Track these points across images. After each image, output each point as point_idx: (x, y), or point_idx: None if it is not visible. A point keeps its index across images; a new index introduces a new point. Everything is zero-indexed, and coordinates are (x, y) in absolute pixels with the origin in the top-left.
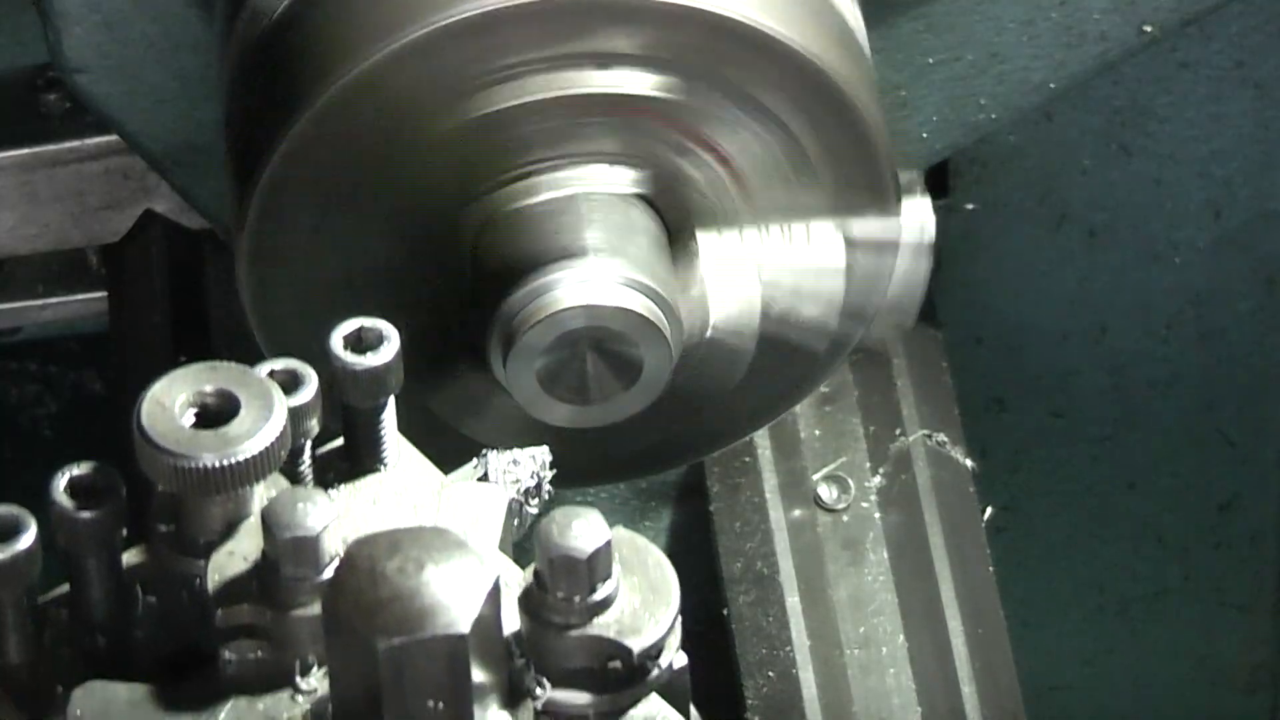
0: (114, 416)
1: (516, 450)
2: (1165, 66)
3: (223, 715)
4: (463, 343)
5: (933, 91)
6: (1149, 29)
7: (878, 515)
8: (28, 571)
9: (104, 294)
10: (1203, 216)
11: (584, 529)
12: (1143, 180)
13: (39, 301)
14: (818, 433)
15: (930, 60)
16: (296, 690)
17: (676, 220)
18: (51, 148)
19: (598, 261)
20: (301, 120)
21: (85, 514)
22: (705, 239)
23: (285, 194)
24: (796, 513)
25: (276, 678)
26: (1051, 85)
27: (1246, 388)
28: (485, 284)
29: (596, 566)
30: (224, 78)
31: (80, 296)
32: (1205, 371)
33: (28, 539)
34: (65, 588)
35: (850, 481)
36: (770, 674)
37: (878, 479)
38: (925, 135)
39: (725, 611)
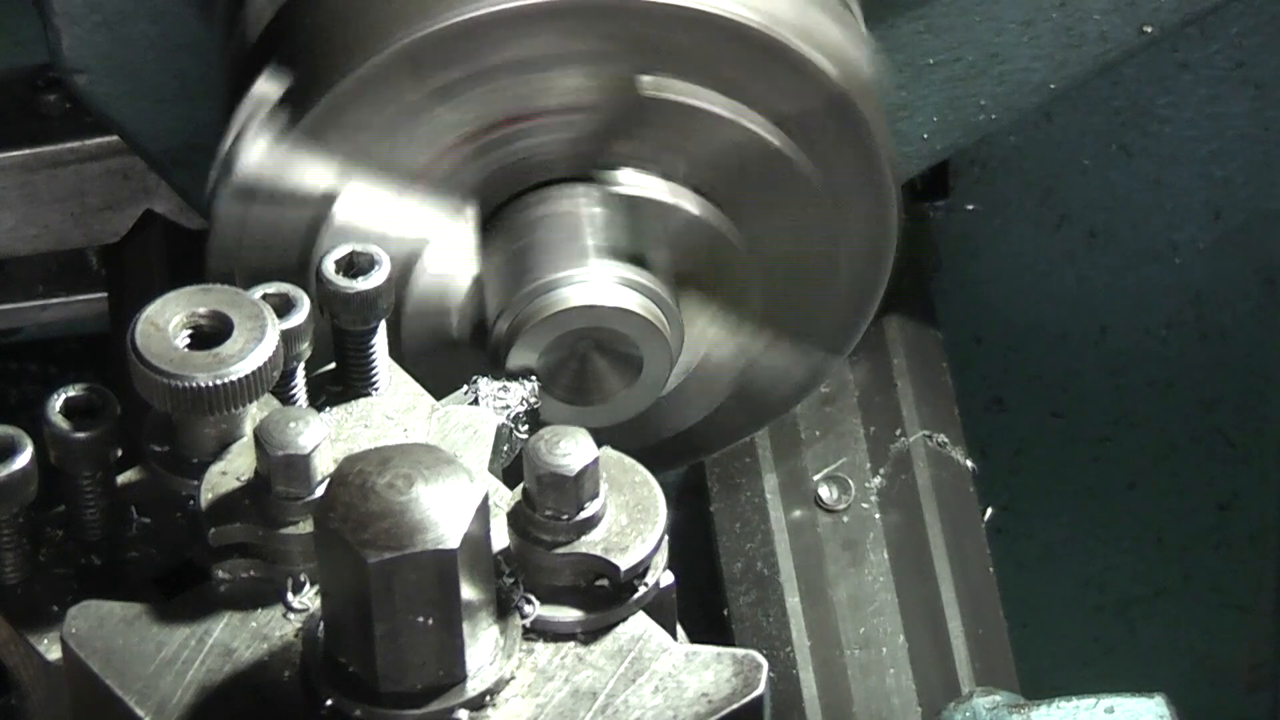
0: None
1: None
2: (1165, 66)
3: (216, 633)
4: (462, 342)
5: (933, 92)
6: (1149, 29)
7: (878, 515)
8: (23, 491)
9: (104, 294)
10: (1203, 216)
11: (572, 447)
12: (1143, 180)
13: (39, 301)
14: (818, 433)
15: (930, 60)
16: (288, 608)
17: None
18: (51, 148)
19: (598, 262)
20: (302, 120)
21: (80, 434)
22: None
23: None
24: (796, 513)
25: (268, 596)
26: (1051, 85)
27: (1246, 388)
28: (485, 283)
29: (584, 484)
30: (224, 77)
31: (80, 296)
32: (1205, 371)
33: (23, 459)
34: (61, 508)
35: (850, 481)
36: (770, 674)
37: (878, 479)
38: (925, 135)
39: (725, 611)
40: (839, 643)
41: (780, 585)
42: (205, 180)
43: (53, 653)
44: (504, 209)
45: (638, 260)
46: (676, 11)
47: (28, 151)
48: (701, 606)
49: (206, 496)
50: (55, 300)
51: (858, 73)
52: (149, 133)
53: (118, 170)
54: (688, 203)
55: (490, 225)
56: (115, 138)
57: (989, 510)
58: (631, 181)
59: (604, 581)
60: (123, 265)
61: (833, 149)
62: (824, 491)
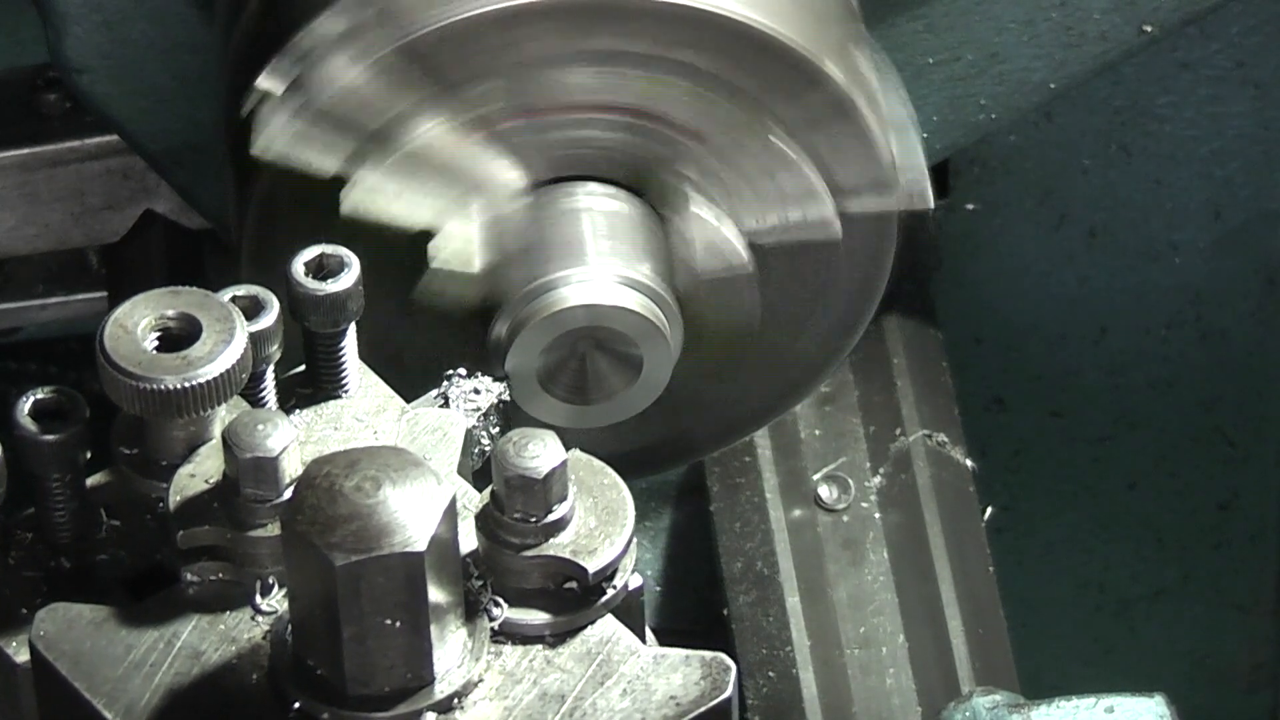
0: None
1: (478, 379)
2: (1165, 66)
3: (184, 635)
4: (462, 341)
5: (933, 91)
6: (1149, 29)
7: (878, 515)
8: None
9: (104, 294)
10: (1203, 216)
11: (540, 449)
12: (1143, 180)
13: (39, 301)
14: (818, 433)
15: (930, 60)
16: (256, 610)
17: (675, 216)
18: (51, 148)
19: (598, 261)
20: (302, 119)
21: (48, 437)
22: (700, 230)
23: (286, 194)
24: (796, 513)
25: (237, 598)
26: (1051, 85)
27: (1246, 388)
28: (485, 282)
29: (552, 487)
30: (224, 78)
31: (80, 296)
32: (1205, 371)
33: None
34: (30, 510)
35: (850, 481)
36: (770, 674)
37: (878, 479)
38: (925, 135)
39: (725, 611)
40: (839, 643)
41: (780, 585)
42: (205, 180)
43: (21, 655)
44: (504, 205)
45: (637, 259)
46: (678, 11)
47: (28, 151)
48: (701, 606)
49: (175, 499)
50: (55, 300)
51: (859, 73)
52: (149, 133)
53: (118, 170)
54: (688, 198)
55: (491, 222)
56: (115, 138)
57: (989, 510)
58: (636, 179)
59: (572, 584)
60: (123, 265)
61: (833, 149)
62: (824, 491)
